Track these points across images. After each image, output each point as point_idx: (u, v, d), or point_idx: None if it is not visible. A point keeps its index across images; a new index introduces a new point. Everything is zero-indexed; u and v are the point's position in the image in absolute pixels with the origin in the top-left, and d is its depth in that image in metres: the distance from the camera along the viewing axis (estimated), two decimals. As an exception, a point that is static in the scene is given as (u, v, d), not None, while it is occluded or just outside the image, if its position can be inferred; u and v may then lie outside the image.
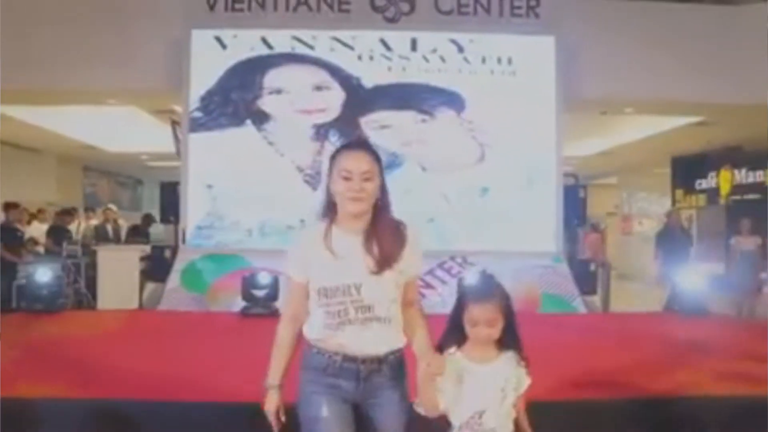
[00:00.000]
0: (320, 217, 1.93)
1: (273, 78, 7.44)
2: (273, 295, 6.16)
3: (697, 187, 13.30)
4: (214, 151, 7.39)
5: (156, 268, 7.42)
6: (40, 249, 8.30)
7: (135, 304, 7.22)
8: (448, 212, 7.38)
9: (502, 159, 7.49)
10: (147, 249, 7.86)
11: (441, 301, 6.44)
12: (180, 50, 7.40)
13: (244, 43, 7.46)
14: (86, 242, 8.70)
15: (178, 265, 7.15)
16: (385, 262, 1.83)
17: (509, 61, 7.57)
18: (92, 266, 7.61)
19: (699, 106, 8.58)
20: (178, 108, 8.18)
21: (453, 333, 1.92)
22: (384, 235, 1.86)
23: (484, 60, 7.55)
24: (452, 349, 1.90)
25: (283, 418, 1.90)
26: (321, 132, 7.34)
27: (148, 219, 10.08)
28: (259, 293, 6.24)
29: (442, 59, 7.52)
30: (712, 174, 12.75)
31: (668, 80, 7.77)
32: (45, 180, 12.81)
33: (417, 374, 1.83)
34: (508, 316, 1.89)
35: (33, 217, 9.56)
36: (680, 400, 3.23)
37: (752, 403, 3.18)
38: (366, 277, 1.83)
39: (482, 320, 1.85)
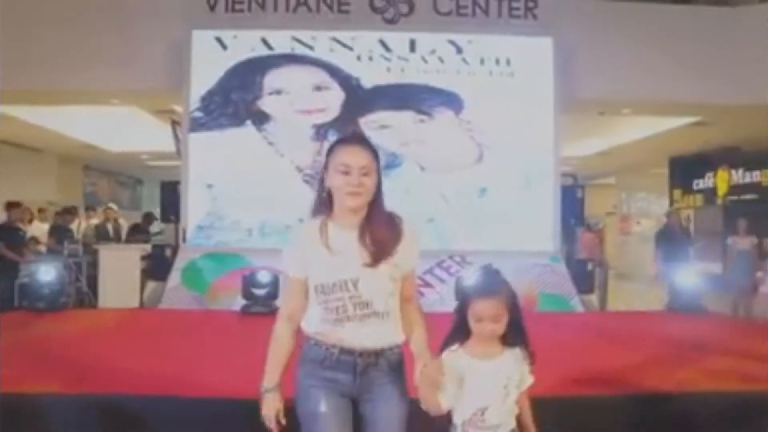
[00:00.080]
0: (313, 212, 1.92)
1: (273, 78, 7.50)
2: (273, 293, 6.21)
3: (695, 187, 13.35)
4: (214, 151, 7.44)
5: (157, 267, 7.47)
6: (42, 248, 8.34)
7: (136, 303, 7.26)
8: (447, 212, 7.44)
9: (501, 159, 7.54)
10: (148, 248, 7.91)
11: (440, 299, 6.51)
12: (181, 51, 7.46)
13: (245, 43, 7.52)
14: (87, 241, 8.75)
15: (179, 264, 7.20)
16: (379, 253, 1.82)
17: (507, 62, 7.63)
18: (93, 265, 7.65)
19: (696, 106, 8.63)
20: (178, 108, 8.24)
21: (458, 330, 1.91)
22: (378, 227, 1.85)
23: (482, 61, 7.61)
24: (455, 346, 1.89)
25: (283, 421, 1.85)
26: (321, 132, 7.39)
27: (149, 217, 10.13)
28: (260, 292, 6.29)
29: (441, 60, 7.58)
30: (710, 174, 12.80)
31: (665, 81, 7.82)
32: (45, 179, 12.84)
33: (414, 375, 1.83)
34: (513, 312, 1.87)
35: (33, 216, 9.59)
36: (675, 397, 3.28)
37: (745, 399, 3.23)
38: (362, 272, 1.82)
39: (487, 316, 1.83)
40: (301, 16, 7.55)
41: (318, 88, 7.53)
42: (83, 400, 3.14)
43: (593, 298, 7.83)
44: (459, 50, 7.60)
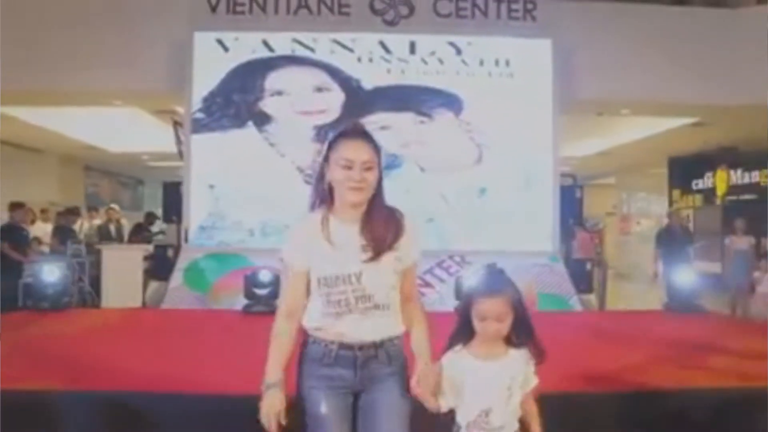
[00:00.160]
0: (312, 205, 1.89)
1: (274, 80, 7.56)
2: (274, 293, 6.26)
3: (694, 187, 13.41)
4: (216, 152, 7.50)
5: (159, 267, 7.53)
6: (45, 248, 8.39)
7: (138, 303, 7.31)
8: (447, 212, 7.49)
9: (500, 160, 7.60)
10: (150, 248, 7.97)
11: (440, 299, 6.57)
12: (182, 52, 7.51)
13: (246, 45, 7.58)
14: (90, 242, 8.80)
15: (181, 264, 7.26)
16: (380, 247, 1.81)
17: (507, 64, 7.69)
18: (96, 265, 7.70)
19: (694, 107, 8.69)
20: (180, 109, 8.30)
21: (461, 330, 1.87)
22: (379, 222, 1.83)
23: (481, 62, 7.67)
24: (458, 347, 1.87)
25: (283, 422, 1.76)
26: (321, 133, 7.43)
27: (151, 217, 10.18)
28: (261, 292, 6.33)
29: (441, 61, 7.64)
30: (709, 174, 12.87)
31: (664, 82, 7.88)
32: (47, 180, 12.90)
33: (413, 379, 1.82)
34: (518, 311, 1.83)
35: (36, 216, 9.65)
36: (670, 394, 3.33)
37: (739, 396, 3.29)
38: (365, 266, 1.80)
39: (491, 315, 1.80)
40: (301, 18, 7.61)
41: (319, 90, 7.59)
42: (87, 397, 3.19)
43: (592, 298, 7.89)
44: (458, 52, 7.66)
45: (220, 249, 7.36)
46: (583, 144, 12.18)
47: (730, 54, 7.92)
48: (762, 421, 3.12)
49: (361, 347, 1.83)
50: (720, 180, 12.51)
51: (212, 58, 7.54)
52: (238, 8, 7.58)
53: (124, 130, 11.21)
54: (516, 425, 1.85)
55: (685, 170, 13.57)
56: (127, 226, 10.23)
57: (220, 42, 7.56)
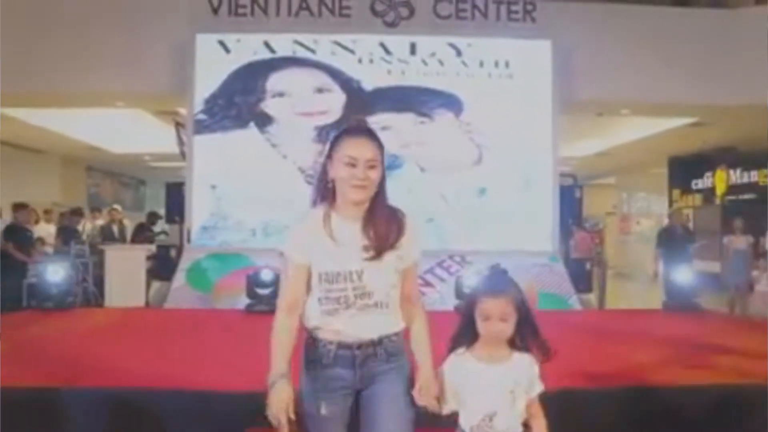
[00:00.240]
0: (313, 202, 1.88)
1: (275, 81, 7.61)
2: (276, 292, 6.30)
3: (694, 186, 13.46)
4: (218, 153, 7.56)
5: (162, 267, 7.60)
6: (48, 249, 8.45)
7: (141, 302, 7.37)
8: (447, 212, 7.54)
9: (500, 160, 7.65)
10: (153, 248, 8.03)
11: (440, 298, 6.63)
12: (184, 54, 7.56)
13: (247, 47, 7.63)
14: (93, 242, 8.86)
15: (184, 264, 7.32)
16: (382, 246, 1.80)
17: (506, 65, 7.74)
18: (99, 265, 7.76)
19: (693, 107, 8.72)
20: (182, 110, 8.36)
21: (464, 331, 1.86)
22: (381, 220, 1.82)
23: (481, 63, 7.72)
24: (460, 350, 1.86)
25: (293, 416, 1.72)
26: (322, 134, 7.49)
27: (153, 216, 10.24)
28: (263, 291, 6.38)
29: (441, 63, 7.69)
30: (708, 174, 12.92)
31: (662, 82, 7.92)
32: (49, 181, 12.96)
33: (415, 388, 1.81)
34: (522, 312, 1.82)
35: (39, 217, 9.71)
36: (664, 390, 3.38)
37: (733, 392, 3.35)
38: (366, 263, 1.80)
39: (495, 314, 1.78)
40: (302, 19, 7.66)
41: (320, 91, 7.64)
42: (90, 393, 3.23)
43: (591, 297, 7.94)
44: (458, 53, 7.71)
45: (223, 249, 7.42)
46: (583, 144, 12.22)
47: (729, 54, 7.95)
48: (758, 417, 3.18)
49: (359, 346, 1.82)
50: (719, 180, 12.56)
51: (214, 60, 7.59)
52: (240, 10, 7.64)
53: (126, 131, 11.25)
54: (520, 430, 1.83)
55: (684, 170, 13.62)
56: (129, 226, 10.28)
57: (221, 43, 7.62)
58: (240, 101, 7.57)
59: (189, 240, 7.48)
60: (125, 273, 7.40)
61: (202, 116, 7.58)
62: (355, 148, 1.79)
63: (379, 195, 1.85)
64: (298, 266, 1.83)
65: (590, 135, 11.51)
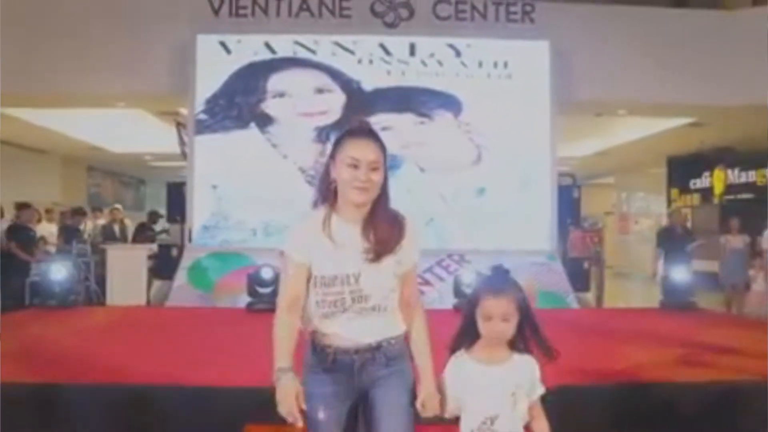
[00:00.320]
0: (315, 203, 1.86)
1: (276, 82, 7.66)
2: (277, 291, 6.36)
3: (692, 186, 13.52)
4: (219, 153, 7.61)
5: (163, 266, 7.64)
6: (50, 248, 8.50)
7: (143, 301, 7.44)
8: (446, 212, 7.59)
9: (499, 160, 7.70)
10: (154, 248, 8.08)
11: (438, 297, 6.68)
12: (186, 55, 7.61)
13: (248, 47, 7.68)
14: (94, 241, 8.92)
15: (185, 263, 7.36)
16: (381, 249, 1.78)
17: (505, 65, 7.79)
18: (101, 264, 7.82)
19: (691, 107, 8.78)
20: (183, 110, 8.41)
21: (466, 331, 1.84)
22: (381, 223, 1.80)
23: (480, 64, 7.77)
24: (460, 352, 1.84)
25: (303, 406, 1.67)
26: (323, 134, 7.54)
27: (154, 216, 10.29)
28: (264, 290, 6.43)
29: (440, 63, 7.75)
30: (706, 174, 12.98)
31: (660, 83, 7.98)
32: (50, 180, 13.03)
33: (418, 402, 1.79)
34: (524, 313, 1.80)
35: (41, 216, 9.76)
36: (656, 386, 3.45)
37: (721, 389, 3.41)
38: (365, 266, 1.78)
39: (497, 314, 1.77)
40: (303, 20, 7.72)
41: (320, 91, 7.69)
42: (92, 390, 3.28)
43: (589, 296, 7.99)
44: (458, 54, 7.77)
45: (223, 248, 7.47)
46: (582, 144, 12.28)
47: (726, 55, 8.00)
48: (753, 412, 3.24)
49: (357, 350, 1.80)
50: (717, 179, 12.62)
51: (215, 61, 7.64)
52: (241, 11, 7.70)
53: (127, 131, 11.30)
54: None
55: (683, 170, 13.69)
56: (130, 226, 10.34)
57: (222, 44, 7.67)
58: (241, 101, 7.62)
59: (190, 239, 7.53)
60: (127, 272, 7.46)
61: (203, 116, 7.64)
62: (358, 150, 1.77)
63: (382, 198, 1.83)
64: (299, 265, 1.81)
65: (589, 135, 11.56)
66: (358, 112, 7.53)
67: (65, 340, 4.73)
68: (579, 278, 7.68)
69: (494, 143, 7.72)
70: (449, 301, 6.36)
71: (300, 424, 1.66)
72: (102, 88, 7.86)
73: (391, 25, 7.79)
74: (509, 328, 1.78)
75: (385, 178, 1.82)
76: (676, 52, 8.01)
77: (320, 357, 1.81)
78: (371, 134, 1.83)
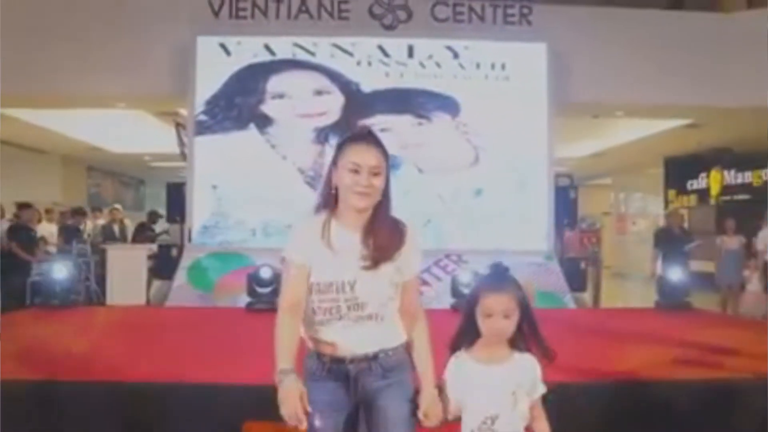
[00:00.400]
0: (316, 208, 1.85)
1: (275, 83, 7.71)
2: (277, 291, 6.41)
3: (689, 187, 13.59)
4: (218, 154, 7.66)
5: (163, 266, 7.68)
6: (51, 248, 8.55)
7: (142, 301, 7.48)
8: (444, 212, 7.64)
9: (496, 161, 7.76)
10: (154, 248, 8.12)
11: (436, 297, 6.73)
12: (186, 56, 7.66)
13: (248, 49, 7.73)
14: (94, 241, 8.97)
15: (185, 263, 7.41)
16: (379, 256, 1.76)
17: (503, 67, 7.84)
18: (101, 264, 7.87)
19: (688, 109, 8.85)
20: (183, 111, 8.46)
21: (465, 330, 1.83)
22: (381, 230, 1.78)
23: (478, 66, 7.83)
24: (460, 352, 1.83)
25: (308, 408, 1.63)
26: (321, 135, 7.60)
27: (154, 215, 10.34)
28: (264, 290, 6.47)
29: (438, 65, 7.80)
30: (703, 175, 13.05)
31: (657, 84, 8.02)
32: (50, 180, 13.06)
33: (420, 412, 1.78)
34: (524, 309, 1.79)
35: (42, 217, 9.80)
36: (648, 384, 3.50)
37: (711, 386, 3.48)
38: (360, 274, 1.76)
39: (498, 311, 1.75)
40: (302, 22, 7.77)
41: (319, 93, 7.74)
42: (94, 388, 3.32)
43: (586, 296, 8.04)
44: (456, 55, 7.82)
45: (223, 248, 7.51)
46: (580, 145, 12.33)
47: (723, 57, 8.06)
48: (746, 409, 3.30)
49: (352, 360, 1.78)
50: (714, 180, 12.70)
51: (215, 62, 7.69)
52: (241, 13, 7.75)
53: (127, 132, 11.34)
54: None
55: (680, 171, 13.75)
56: (130, 226, 10.39)
57: (222, 46, 7.72)
58: (240, 103, 7.67)
59: (190, 239, 7.58)
60: (127, 272, 7.51)
61: (202, 117, 7.68)
62: (359, 155, 1.76)
63: (383, 204, 1.81)
64: (299, 267, 1.80)
65: (587, 136, 11.62)
66: (357, 114, 7.61)
67: (66, 339, 4.76)
68: (576, 278, 7.73)
69: (492, 144, 7.78)
70: (447, 301, 6.42)
71: (303, 426, 1.63)
72: (102, 89, 7.90)
73: (389, 27, 7.85)
74: (510, 325, 1.77)
75: (387, 184, 1.81)
76: (673, 54, 8.06)
77: (316, 365, 1.80)
78: (373, 139, 1.82)
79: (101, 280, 7.77)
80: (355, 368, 1.78)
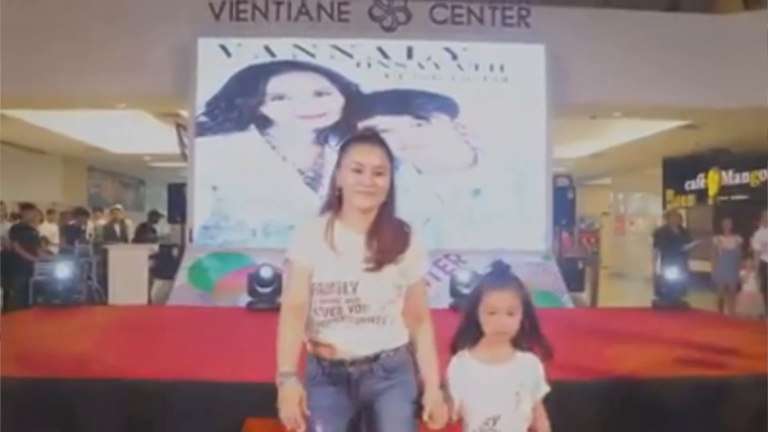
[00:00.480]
0: (321, 210, 1.84)
1: (275, 84, 7.75)
2: (278, 290, 6.45)
3: (687, 187, 13.65)
4: (219, 155, 7.70)
5: (164, 266, 7.72)
6: (52, 248, 8.60)
7: (144, 301, 7.53)
8: (443, 213, 7.69)
9: (494, 162, 7.81)
10: (155, 248, 8.17)
11: (435, 296, 6.77)
12: (186, 58, 7.70)
13: (248, 51, 7.77)
14: (96, 241, 9.02)
15: (185, 263, 7.45)
16: (382, 257, 1.75)
17: (501, 69, 7.89)
18: (103, 264, 7.92)
19: (685, 110, 8.89)
20: (183, 112, 8.51)
21: (467, 329, 1.81)
22: (386, 232, 1.77)
23: (476, 67, 7.87)
24: (462, 352, 1.81)
25: (308, 412, 1.65)
26: (321, 136, 7.65)
27: (155, 215, 10.38)
28: (264, 290, 6.52)
29: (437, 66, 7.85)
30: (701, 175, 13.11)
31: (655, 86, 8.05)
32: (50, 181, 13.12)
33: (424, 414, 1.75)
34: (527, 307, 1.78)
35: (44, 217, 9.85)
36: (642, 382, 3.56)
37: (704, 384, 3.55)
38: (363, 275, 1.75)
39: (502, 308, 1.74)
40: (302, 24, 7.82)
41: (319, 94, 7.79)
42: (94, 384, 3.36)
43: (583, 296, 8.09)
44: (454, 57, 7.86)
45: (223, 248, 7.56)
46: (579, 145, 12.38)
47: (719, 58, 8.08)
48: (739, 406, 3.36)
49: (353, 362, 1.76)
50: (712, 181, 12.76)
51: (215, 63, 7.73)
52: (241, 15, 7.79)
53: (127, 132, 11.38)
54: None
55: (678, 171, 13.81)
56: (131, 226, 10.44)
57: (223, 48, 7.76)
58: (241, 104, 7.71)
59: (191, 239, 7.63)
60: (128, 271, 7.56)
61: (203, 118, 7.73)
62: (362, 154, 1.76)
63: (387, 206, 1.80)
64: (302, 268, 1.79)
65: (586, 136, 11.67)
66: (357, 115, 7.65)
67: (69, 337, 4.81)
68: (574, 278, 7.78)
69: (490, 145, 7.82)
70: (445, 301, 6.46)
71: (302, 430, 1.64)
72: (103, 90, 7.94)
73: (388, 29, 7.89)
74: (514, 323, 1.76)
75: (392, 186, 1.80)
76: (671, 56, 8.10)
77: (316, 370, 1.79)
78: (377, 140, 1.82)
79: (103, 280, 7.82)
80: (356, 371, 1.77)
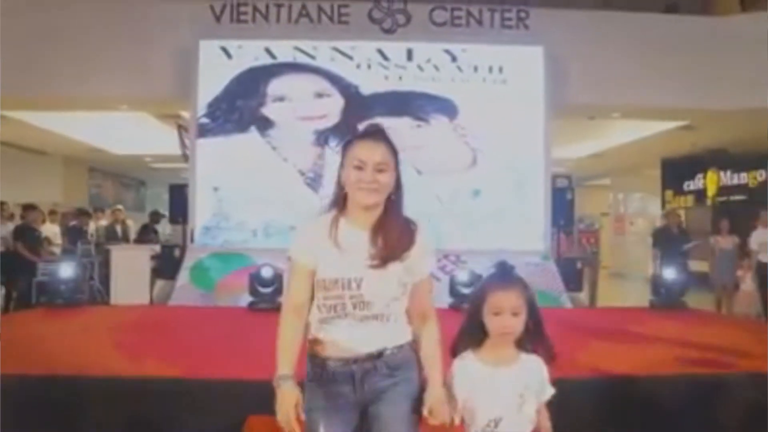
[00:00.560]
0: (327, 208, 1.83)
1: (276, 86, 7.81)
2: (278, 289, 6.50)
3: (686, 188, 13.70)
4: (220, 156, 7.75)
5: (165, 266, 7.77)
6: (54, 249, 8.65)
7: (146, 301, 7.57)
8: (443, 213, 7.72)
9: (493, 163, 7.86)
10: (157, 248, 8.22)
11: (434, 296, 6.81)
12: (188, 60, 7.76)
13: (249, 53, 7.83)
14: (98, 242, 9.07)
15: (187, 264, 7.50)
16: (387, 255, 1.74)
17: (500, 70, 7.94)
18: (105, 264, 7.97)
19: (683, 111, 8.93)
20: (185, 114, 8.56)
21: (470, 331, 1.80)
22: (391, 229, 1.76)
23: (476, 69, 7.92)
24: (466, 353, 1.80)
25: (303, 416, 1.66)
26: (321, 137, 7.70)
27: (156, 216, 10.43)
28: (265, 290, 6.56)
29: (436, 68, 7.90)
30: (700, 176, 13.16)
31: (652, 87, 8.12)
32: (51, 181, 13.15)
33: (425, 410, 1.74)
34: (531, 307, 1.77)
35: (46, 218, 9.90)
36: (638, 379, 3.60)
37: (698, 382, 3.59)
38: (367, 272, 1.73)
39: (507, 308, 1.73)
40: (303, 26, 7.88)
41: (319, 96, 7.84)
42: (96, 382, 3.39)
43: (581, 296, 8.14)
44: (454, 59, 7.92)
45: (225, 249, 7.61)
46: (578, 146, 12.43)
47: (717, 60, 8.12)
48: (734, 404, 3.41)
49: (356, 360, 1.75)
50: (710, 181, 12.80)
51: (216, 65, 7.79)
52: (242, 17, 7.85)
53: (128, 133, 11.43)
54: None
55: (677, 172, 13.86)
56: (132, 226, 10.48)
57: (224, 50, 7.82)
58: (241, 106, 7.76)
59: (192, 240, 7.68)
60: (130, 272, 7.61)
61: (204, 120, 7.78)
62: (364, 151, 1.76)
63: (394, 203, 1.80)
64: (304, 268, 1.78)
65: (585, 137, 11.71)
66: (357, 116, 7.68)
67: (72, 337, 4.84)
68: (572, 278, 7.83)
69: (489, 146, 7.87)
70: (444, 300, 6.50)
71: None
72: (104, 91, 8.01)
73: (388, 31, 7.94)
74: (519, 323, 1.74)
75: (398, 182, 1.80)
76: (669, 57, 8.15)
77: (319, 368, 1.78)
78: (380, 136, 1.81)
79: (105, 280, 7.87)
80: (360, 369, 1.75)
